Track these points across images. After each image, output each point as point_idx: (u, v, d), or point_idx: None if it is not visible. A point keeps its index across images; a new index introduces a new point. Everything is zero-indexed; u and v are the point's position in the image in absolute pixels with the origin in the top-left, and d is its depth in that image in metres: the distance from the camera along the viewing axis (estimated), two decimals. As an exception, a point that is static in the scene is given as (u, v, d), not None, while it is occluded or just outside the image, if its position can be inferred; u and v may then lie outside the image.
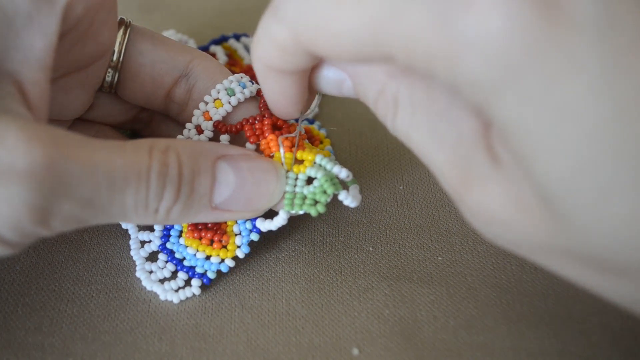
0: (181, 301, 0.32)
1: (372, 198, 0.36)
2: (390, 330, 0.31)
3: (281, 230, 0.34)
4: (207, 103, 0.32)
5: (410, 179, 0.37)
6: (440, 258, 0.33)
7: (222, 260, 0.32)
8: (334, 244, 0.34)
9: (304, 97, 0.28)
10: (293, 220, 0.35)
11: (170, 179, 0.27)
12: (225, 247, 0.32)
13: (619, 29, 0.17)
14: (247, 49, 0.45)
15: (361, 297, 0.32)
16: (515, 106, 0.18)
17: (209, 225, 0.32)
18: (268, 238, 0.34)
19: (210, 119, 0.32)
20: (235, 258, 0.32)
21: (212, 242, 0.32)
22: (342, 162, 0.38)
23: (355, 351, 0.30)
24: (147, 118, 0.36)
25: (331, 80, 0.27)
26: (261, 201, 0.30)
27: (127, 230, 0.34)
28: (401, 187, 0.37)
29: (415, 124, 0.24)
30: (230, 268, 0.32)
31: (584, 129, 0.17)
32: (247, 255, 0.33)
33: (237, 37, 0.45)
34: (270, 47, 0.25)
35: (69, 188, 0.24)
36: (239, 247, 0.32)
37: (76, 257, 0.33)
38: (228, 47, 0.44)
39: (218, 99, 0.32)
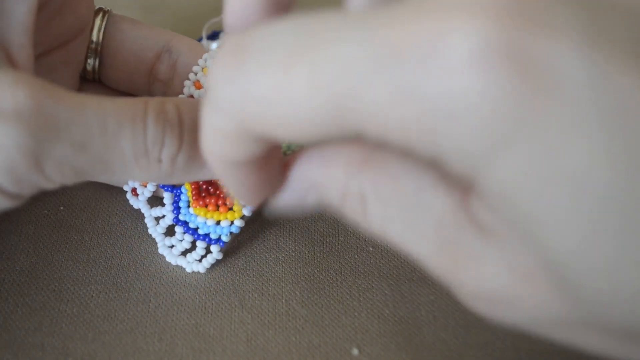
0: (208, 271, 0.32)
1: (372, 198, 0.36)
2: (390, 330, 0.31)
3: (281, 230, 0.34)
4: (196, 73, 0.33)
5: (410, 179, 0.37)
6: (440, 258, 0.33)
7: (232, 223, 0.32)
8: (334, 244, 0.34)
9: (272, 182, 0.23)
10: (292, 219, 0.35)
11: (169, 123, 0.27)
12: (231, 209, 0.32)
13: (613, 93, 0.15)
14: None
15: (361, 297, 0.32)
16: (511, 174, 0.16)
17: (211, 190, 0.32)
18: (268, 238, 0.34)
19: (202, 87, 0.33)
20: (243, 217, 0.32)
21: (217, 207, 0.32)
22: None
23: (355, 351, 0.30)
24: None
25: (295, 196, 0.23)
26: None
27: (127, 230, 0.34)
28: (401, 187, 0.37)
29: (389, 218, 0.21)
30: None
31: (589, 195, 0.15)
32: (247, 257, 0.33)
33: None
34: (218, 139, 0.20)
35: (58, 129, 0.24)
36: (244, 206, 0.32)
37: (76, 257, 0.33)
38: None
39: (206, 67, 0.33)
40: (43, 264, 0.33)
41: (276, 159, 0.23)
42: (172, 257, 0.33)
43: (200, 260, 0.33)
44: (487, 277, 0.19)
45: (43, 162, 0.24)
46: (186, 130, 0.27)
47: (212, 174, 0.29)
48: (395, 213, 0.21)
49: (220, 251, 0.32)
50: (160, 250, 0.33)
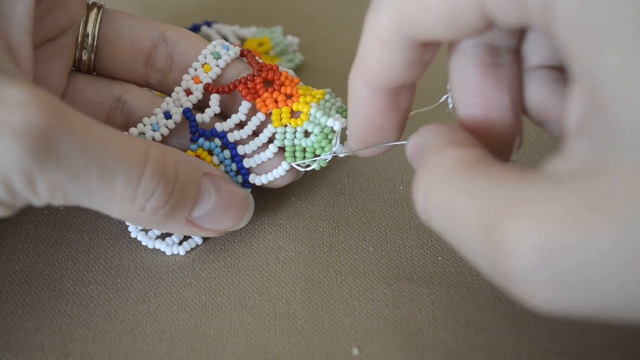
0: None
1: (372, 198, 0.36)
2: (390, 330, 0.31)
3: (281, 230, 0.34)
4: (196, 69, 0.33)
5: (410, 179, 0.37)
6: (440, 258, 0.33)
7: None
8: (334, 244, 0.34)
9: (391, 128, 0.28)
10: (293, 219, 0.35)
11: (166, 179, 0.28)
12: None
13: None
14: (220, 34, 0.45)
15: (361, 297, 0.32)
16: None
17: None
18: (268, 238, 0.34)
19: (200, 83, 0.33)
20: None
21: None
22: (342, 163, 0.38)
23: (355, 351, 0.30)
24: None
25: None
26: (231, 224, 0.32)
27: (127, 230, 0.34)
28: (401, 187, 0.37)
29: None
30: (230, 268, 0.32)
31: None
32: (247, 257, 0.33)
33: (209, 24, 0.46)
34: (372, 45, 0.24)
35: (60, 156, 0.24)
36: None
37: (76, 257, 0.33)
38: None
39: (206, 63, 0.33)
40: (43, 264, 0.33)
41: (401, 112, 0.27)
42: (150, 241, 0.33)
43: (180, 244, 0.33)
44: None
45: (37, 182, 0.25)
46: (178, 187, 0.28)
47: (176, 230, 0.31)
48: None
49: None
50: (133, 234, 0.33)
